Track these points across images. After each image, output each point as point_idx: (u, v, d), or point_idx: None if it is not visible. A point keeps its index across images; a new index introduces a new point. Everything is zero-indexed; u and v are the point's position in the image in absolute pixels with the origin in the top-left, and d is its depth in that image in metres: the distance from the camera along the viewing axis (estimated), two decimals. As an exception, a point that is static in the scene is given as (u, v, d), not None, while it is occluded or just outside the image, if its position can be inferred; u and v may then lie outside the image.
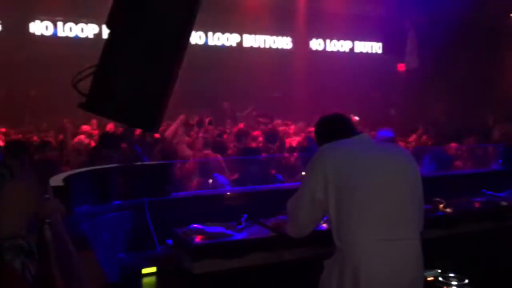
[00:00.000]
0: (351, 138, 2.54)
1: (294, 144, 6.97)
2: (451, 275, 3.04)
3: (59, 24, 11.21)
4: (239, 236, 3.02)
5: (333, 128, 2.63)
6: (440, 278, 3.01)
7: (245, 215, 3.21)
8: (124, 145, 5.17)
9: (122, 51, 2.49)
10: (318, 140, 2.68)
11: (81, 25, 11.34)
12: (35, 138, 7.63)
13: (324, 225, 3.08)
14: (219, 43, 12.72)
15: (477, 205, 3.79)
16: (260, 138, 7.14)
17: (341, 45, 14.24)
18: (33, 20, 11.04)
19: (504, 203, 3.85)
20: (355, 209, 2.32)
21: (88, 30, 11.42)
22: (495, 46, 13.56)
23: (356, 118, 9.29)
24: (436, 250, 3.11)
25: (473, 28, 12.75)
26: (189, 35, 2.64)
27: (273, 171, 5.47)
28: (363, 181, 2.35)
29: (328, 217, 2.44)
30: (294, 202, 2.53)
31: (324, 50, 13.99)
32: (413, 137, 8.26)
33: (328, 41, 14.07)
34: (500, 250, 3.53)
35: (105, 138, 5.69)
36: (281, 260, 3.00)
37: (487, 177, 4.78)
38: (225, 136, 7.58)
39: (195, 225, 3.11)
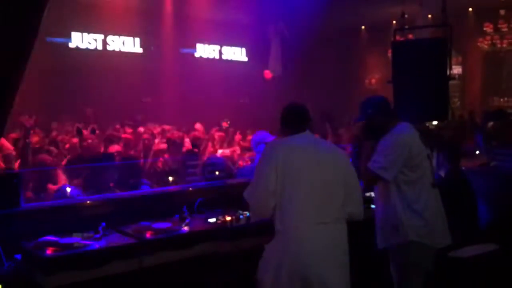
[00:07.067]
0: (298, 135, 2.89)
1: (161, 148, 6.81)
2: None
3: None
4: (96, 246, 2.90)
5: (291, 119, 2.96)
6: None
7: (103, 224, 3.10)
8: None
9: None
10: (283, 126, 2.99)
11: None
12: None
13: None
14: (83, 46, 12.11)
15: None
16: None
17: (209, 52, 14.42)
18: None
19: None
20: (296, 196, 2.70)
21: None
22: (351, 55, 14.83)
23: (227, 123, 9.36)
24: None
25: (332, 37, 13.76)
26: (32, 39, 2.53)
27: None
28: (303, 172, 2.74)
29: None
30: (250, 192, 2.81)
31: (192, 55, 14.06)
32: None
33: (199, 45, 14.15)
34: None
35: None
36: (142, 266, 2.95)
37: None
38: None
39: (47, 237, 2.94)
